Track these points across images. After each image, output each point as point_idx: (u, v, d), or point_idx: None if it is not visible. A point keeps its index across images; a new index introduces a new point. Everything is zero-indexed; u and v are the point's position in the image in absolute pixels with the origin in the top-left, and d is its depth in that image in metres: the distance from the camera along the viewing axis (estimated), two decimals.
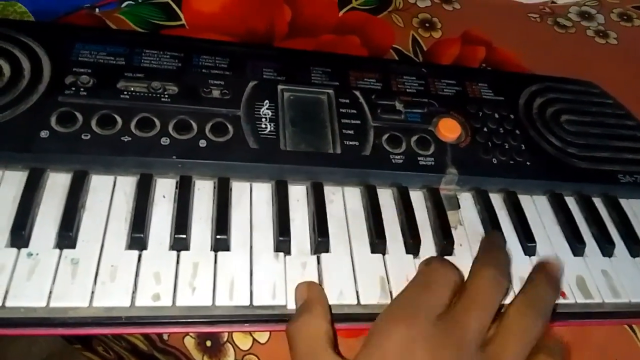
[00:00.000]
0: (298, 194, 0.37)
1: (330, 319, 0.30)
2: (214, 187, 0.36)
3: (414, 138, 0.40)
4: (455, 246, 0.37)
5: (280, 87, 0.40)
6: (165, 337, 0.36)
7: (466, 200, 0.40)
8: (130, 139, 0.35)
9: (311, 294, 0.32)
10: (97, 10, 0.49)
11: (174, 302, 0.30)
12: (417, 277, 0.32)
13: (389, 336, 0.28)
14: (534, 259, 0.37)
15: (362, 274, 0.34)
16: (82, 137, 0.34)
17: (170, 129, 0.36)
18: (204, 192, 0.36)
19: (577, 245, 0.38)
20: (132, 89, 0.37)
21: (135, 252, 0.32)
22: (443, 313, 0.29)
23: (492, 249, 0.35)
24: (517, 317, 0.30)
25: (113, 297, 0.30)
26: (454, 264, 0.33)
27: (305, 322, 0.30)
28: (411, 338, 0.28)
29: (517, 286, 0.35)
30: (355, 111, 0.41)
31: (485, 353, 0.28)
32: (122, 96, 0.37)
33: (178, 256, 0.32)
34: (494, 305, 0.30)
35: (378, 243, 0.35)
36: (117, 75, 0.38)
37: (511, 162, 0.41)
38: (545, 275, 0.34)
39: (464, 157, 0.40)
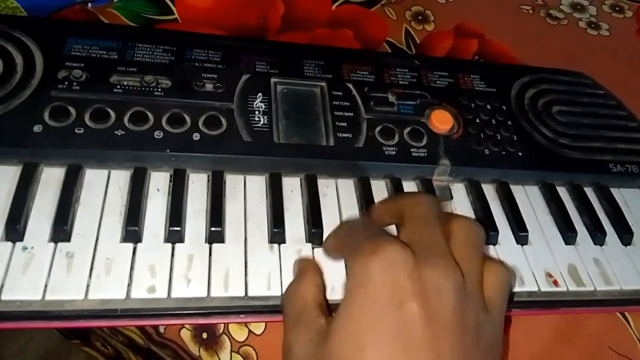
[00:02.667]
0: (292, 186, 0.37)
1: (319, 284, 0.31)
2: (208, 180, 0.36)
3: (407, 130, 0.40)
4: None
5: (273, 80, 0.41)
6: (161, 330, 0.36)
7: (459, 190, 0.40)
8: (123, 132, 0.35)
9: (301, 264, 0.33)
10: (89, 5, 0.49)
11: (169, 294, 0.31)
12: (347, 234, 0.32)
13: (368, 273, 0.26)
14: (527, 248, 0.38)
15: None
16: (76, 131, 0.34)
17: (163, 122, 0.36)
18: (198, 185, 0.36)
19: (568, 234, 0.39)
20: (125, 83, 0.37)
21: (130, 245, 0.32)
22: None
23: (399, 196, 0.36)
24: (459, 225, 0.30)
25: (108, 289, 0.30)
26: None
27: (292, 287, 0.31)
28: (390, 262, 0.26)
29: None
30: (348, 103, 0.41)
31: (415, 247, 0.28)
32: (115, 90, 0.37)
33: (173, 248, 0.32)
34: (439, 216, 0.30)
35: None
36: (110, 70, 0.38)
37: (503, 152, 0.41)
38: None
39: (457, 149, 0.40)
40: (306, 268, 0.32)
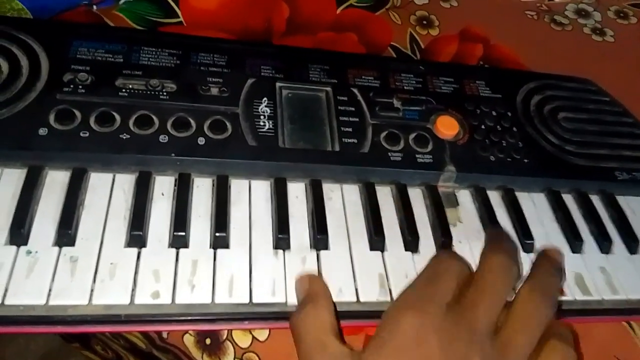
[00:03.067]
0: (297, 191, 0.37)
1: (333, 311, 0.30)
2: (213, 185, 0.36)
3: (412, 135, 0.40)
4: (454, 243, 0.37)
5: (278, 84, 0.40)
6: (164, 335, 0.36)
7: (464, 197, 0.40)
8: (128, 136, 0.35)
9: (313, 286, 0.32)
10: (94, 7, 0.49)
11: (173, 299, 0.30)
12: (425, 269, 0.32)
13: (400, 325, 0.28)
14: (532, 256, 0.37)
15: (361, 271, 0.34)
16: (81, 134, 0.34)
17: (168, 126, 0.36)
18: (202, 189, 0.36)
19: (575, 243, 0.39)
20: (130, 86, 0.37)
21: (135, 250, 0.32)
22: (453, 303, 0.29)
23: (498, 238, 0.35)
24: (525, 302, 0.30)
25: (112, 294, 0.30)
26: (461, 256, 0.33)
27: (309, 313, 0.30)
28: (422, 326, 0.27)
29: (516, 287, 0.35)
30: (353, 109, 0.41)
31: (495, 341, 0.28)
32: (120, 94, 0.37)
33: (177, 254, 0.32)
34: (505, 291, 0.30)
35: (377, 240, 0.35)
36: (116, 73, 0.38)
37: (509, 159, 0.41)
38: (549, 261, 0.34)
39: (462, 155, 0.40)
40: (317, 292, 0.31)
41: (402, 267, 0.35)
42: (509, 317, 0.29)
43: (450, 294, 0.30)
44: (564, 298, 0.36)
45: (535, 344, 0.29)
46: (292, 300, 0.32)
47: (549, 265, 0.33)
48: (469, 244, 0.37)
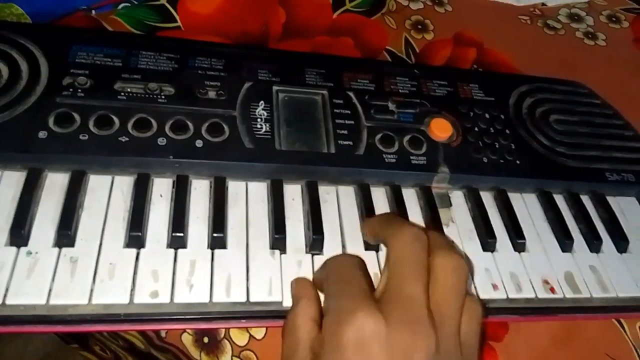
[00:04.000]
0: (293, 193, 0.38)
1: (312, 314, 0.30)
2: (210, 186, 0.36)
3: (407, 137, 0.41)
4: None
5: (275, 88, 0.41)
6: (163, 334, 0.36)
7: (458, 198, 0.41)
8: (127, 139, 0.35)
9: (295, 290, 0.32)
10: (93, 12, 0.50)
11: (171, 299, 0.31)
12: (327, 278, 0.31)
13: (340, 344, 0.26)
14: (524, 255, 0.38)
15: None
16: (80, 137, 0.35)
17: (167, 129, 0.36)
18: (200, 191, 0.36)
19: (565, 242, 0.39)
20: (129, 90, 0.38)
21: (133, 251, 0.32)
22: (379, 292, 0.29)
23: (391, 216, 0.35)
24: (443, 265, 0.29)
25: (112, 294, 0.30)
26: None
27: (287, 319, 0.31)
28: (360, 335, 0.26)
29: (508, 283, 0.36)
30: (348, 111, 0.41)
31: (432, 313, 0.28)
32: (119, 97, 0.37)
33: (175, 254, 0.33)
34: (424, 262, 0.29)
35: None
36: (114, 77, 0.38)
37: (501, 161, 0.42)
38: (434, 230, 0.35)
39: (456, 156, 0.41)
40: (300, 296, 0.31)
41: None
42: (435, 289, 0.29)
43: (367, 286, 0.29)
44: (554, 296, 0.36)
45: (425, 273, 0.29)
46: (288, 299, 0.32)
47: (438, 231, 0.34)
48: (462, 243, 0.38)
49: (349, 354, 0.26)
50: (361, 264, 0.32)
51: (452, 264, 0.30)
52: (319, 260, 0.34)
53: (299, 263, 0.34)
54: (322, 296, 0.32)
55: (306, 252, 0.35)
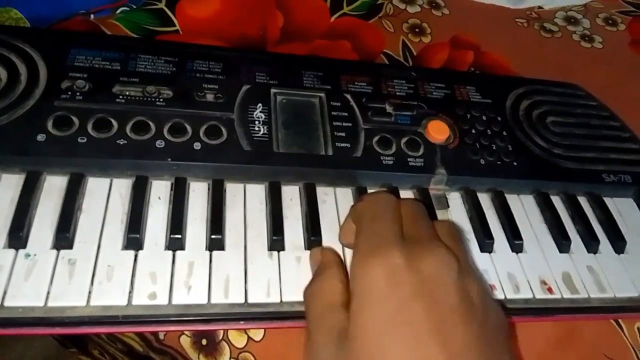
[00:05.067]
0: (291, 194, 0.38)
1: (344, 279, 0.31)
2: (209, 189, 0.37)
3: (404, 140, 0.41)
4: None
5: (273, 90, 0.41)
6: (161, 336, 0.36)
7: (455, 199, 0.41)
8: (125, 142, 0.35)
9: (324, 257, 0.33)
10: (91, 16, 0.50)
11: (170, 300, 0.31)
12: (361, 214, 0.32)
13: (370, 278, 0.27)
14: (521, 256, 0.38)
15: None
16: (79, 140, 0.35)
17: (165, 132, 0.37)
18: (198, 193, 0.36)
19: (562, 243, 0.39)
20: (127, 93, 0.38)
21: (132, 252, 0.32)
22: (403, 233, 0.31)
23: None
24: (404, 203, 0.32)
25: (110, 296, 0.30)
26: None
27: (317, 285, 0.31)
28: (390, 267, 0.27)
29: (505, 284, 0.36)
30: (346, 114, 0.41)
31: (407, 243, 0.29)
32: (117, 100, 0.37)
33: (174, 256, 0.33)
34: (393, 205, 0.32)
35: None
36: (113, 80, 0.38)
37: (498, 162, 0.42)
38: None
39: (453, 158, 0.41)
40: (330, 263, 0.32)
41: None
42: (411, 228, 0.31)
43: (397, 226, 0.30)
44: (552, 296, 0.36)
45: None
46: (287, 300, 0.33)
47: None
48: None
49: (382, 286, 0.27)
50: (395, 204, 0.32)
51: (411, 202, 0.33)
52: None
53: (297, 264, 0.34)
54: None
55: (305, 253, 0.35)
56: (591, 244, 0.40)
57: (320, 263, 0.33)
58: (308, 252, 0.35)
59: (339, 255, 0.34)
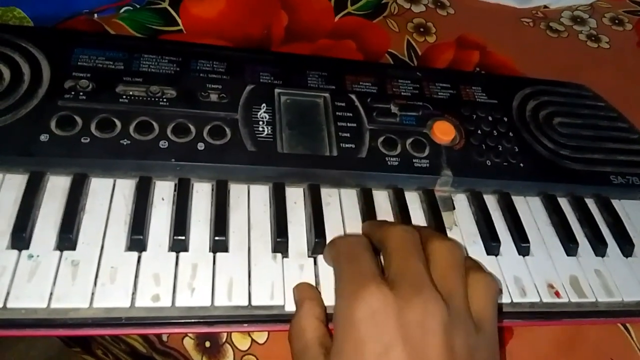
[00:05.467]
0: (295, 196, 0.38)
1: (319, 313, 0.31)
2: (212, 190, 0.36)
3: (409, 140, 0.41)
4: None
5: (277, 90, 0.41)
6: (164, 338, 0.36)
7: (461, 201, 0.41)
8: (129, 142, 0.35)
9: (299, 294, 0.32)
10: (95, 15, 0.50)
11: (173, 302, 0.31)
12: (336, 258, 0.32)
13: (354, 314, 0.27)
14: (528, 259, 0.38)
15: None
16: (82, 140, 0.35)
17: (168, 132, 0.36)
18: (202, 194, 0.36)
19: (570, 246, 0.39)
20: (130, 93, 0.38)
21: (135, 254, 0.32)
22: (383, 274, 0.29)
23: (379, 222, 0.36)
24: (438, 249, 0.31)
25: (113, 298, 0.30)
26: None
27: (294, 323, 0.31)
28: (373, 310, 0.27)
29: (512, 287, 0.36)
30: (351, 114, 0.41)
31: (437, 288, 0.28)
32: (121, 100, 0.37)
33: (177, 257, 0.33)
34: (420, 247, 0.31)
35: None
36: (116, 80, 0.38)
37: (505, 164, 0.41)
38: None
39: (459, 159, 0.41)
40: (303, 298, 0.32)
41: None
42: (433, 270, 0.30)
43: (376, 266, 0.30)
44: (559, 300, 0.36)
45: (465, 282, 0.30)
46: (291, 303, 0.32)
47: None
48: (465, 247, 0.38)
49: (363, 330, 0.26)
50: (368, 244, 0.32)
51: (445, 245, 0.31)
52: (323, 261, 0.34)
53: (301, 267, 0.34)
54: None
55: (308, 256, 0.35)
56: (599, 247, 0.40)
57: (296, 299, 0.32)
58: (312, 255, 0.35)
59: (313, 289, 0.33)
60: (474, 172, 0.41)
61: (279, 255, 0.34)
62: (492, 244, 0.38)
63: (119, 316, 0.30)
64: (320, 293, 0.33)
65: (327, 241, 0.35)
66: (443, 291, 0.28)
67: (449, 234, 0.38)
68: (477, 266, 0.32)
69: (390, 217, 0.38)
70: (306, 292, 0.32)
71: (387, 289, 0.27)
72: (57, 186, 0.34)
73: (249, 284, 0.32)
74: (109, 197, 0.34)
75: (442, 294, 0.28)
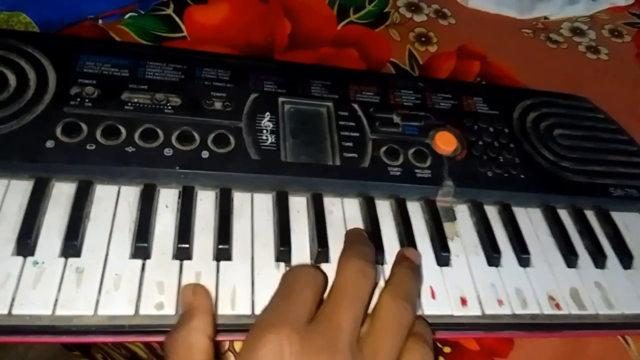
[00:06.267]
0: (298, 205, 0.38)
1: (211, 333, 0.29)
2: (216, 198, 0.36)
3: (412, 150, 0.41)
4: (451, 257, 0.37)
5: (281, 99, 0.41)
6: None
7: (462, 212, 0.41)
8: (134, 149, 0.35)
9: (195, 301, 0.30)
10: (100, 21, 0.50)
11: (177, 311, 0.31)
12: (279, 286, 0.31)
13: (258, 349, 0.27)
14: (529, 271, 0.38)
15: None
16: (87, 147, 0.35)
17: (173, 140, 0.37)
18: (206, 202, 0.36)
19: (570, 257, 0.39)
20: (136, 100, 0.38)
21: (139, 262, 0.32)
22: (314, 316, 0.29)
23: (354, 240, 0.35)
24: (389, 309, 0.30)
25: (117, 305, 0.30)
26: (317, 267, 0.33)
27: (182, 335, 0.28)
28: (280, 347, 0.26)
29: (513, 299, 0.36)
30: (354, 124, 0.41)
31: (361, 350, 0.28)
32: (126, 107, 0.37)
33: (181, 265, 0.33)
34: (364, 297, 0.30)
35: (376, 254, 0.36)
36: (122, 87, 0.38)
37: (506, 175, 0.42)
38: (407, 263, 0.34)
39: (460, 170, 0.41)
40: (197, 308, 0.30)
41: None
42: (372, 324, 0.29)
43: (307, 308, 0.29)
44: (559, 312, 0.36)
45: (401, 347, 0.29)
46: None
47: (408, 267, 0.34)
48: (467, 258, 0.38)
49: None
50: (316, 281, 0.31)
51: (396, 305, 0.30)
52: (325, 268, 0.34)
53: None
54: None
55: (312, 265, 0.35)
56: (599, 259, 0.40)
57: (189, 306, 0.30)
58: (315, 264, 0.35)
59: (209, 299, 0.31)
60: (476, 183, 0.41)
61: (282, 264, 0.34)
62: (493, 255, 0.38)
63: (122, 324, 0.30)
64: (212, 304, 0.31)
65: (330, 250, 0.35)
66: (367, 352, 0.28)
67: (451, 244, 0.38)
68: (422, 335, 0.31)
69: (392, 227, 0.38)
70: (201, 302, 0.30)
71: (295, 337, 0.27)
72: (62, 193, 0.34)
73: (252, 292, 0.33)
74: (114, 204, 0.35)
75: (367, 351, 0.28)
